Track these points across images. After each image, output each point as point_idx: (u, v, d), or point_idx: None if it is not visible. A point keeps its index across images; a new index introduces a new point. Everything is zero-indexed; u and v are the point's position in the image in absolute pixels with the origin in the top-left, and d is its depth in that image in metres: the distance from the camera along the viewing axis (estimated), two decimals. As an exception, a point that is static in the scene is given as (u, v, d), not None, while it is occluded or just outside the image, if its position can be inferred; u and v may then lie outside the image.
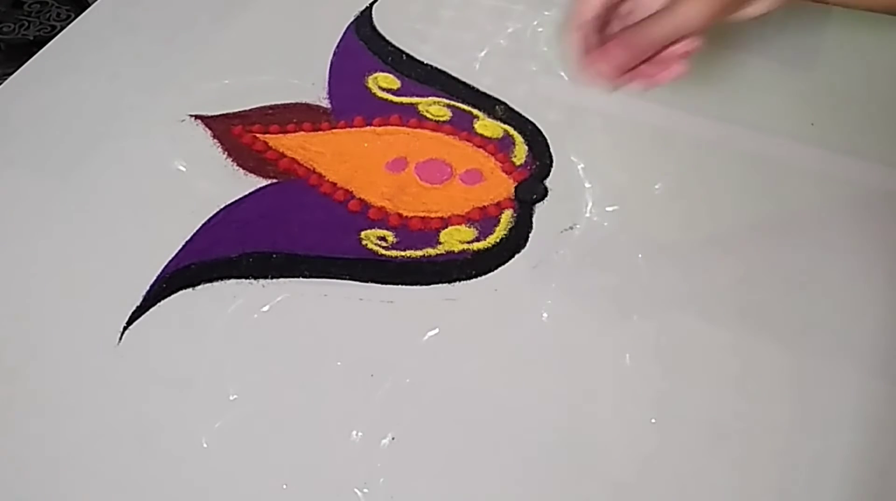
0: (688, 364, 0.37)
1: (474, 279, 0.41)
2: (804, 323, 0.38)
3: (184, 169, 0.47)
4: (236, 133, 0.48)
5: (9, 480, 0.35)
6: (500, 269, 0.41)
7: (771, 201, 0.43)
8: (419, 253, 0.42)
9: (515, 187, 0.45)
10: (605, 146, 0.46)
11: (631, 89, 0.37)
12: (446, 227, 0.43)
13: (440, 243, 0.42)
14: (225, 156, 0.47)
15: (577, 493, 0.33)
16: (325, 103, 0.50)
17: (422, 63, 0.52)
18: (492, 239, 0.42)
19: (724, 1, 0.34)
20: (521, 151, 0.47)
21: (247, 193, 0.45)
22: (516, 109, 0.49)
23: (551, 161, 0.46)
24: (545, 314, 0.39)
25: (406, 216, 0.44)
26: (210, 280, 0.41)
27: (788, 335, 0.37)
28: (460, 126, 0.48)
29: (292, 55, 0.53)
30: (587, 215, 0.43)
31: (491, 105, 0.49)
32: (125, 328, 0.39)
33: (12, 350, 0.39)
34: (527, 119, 0.48)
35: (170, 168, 0.47)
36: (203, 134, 0.49)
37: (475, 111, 0.49)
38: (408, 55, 0.53)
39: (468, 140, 0.47)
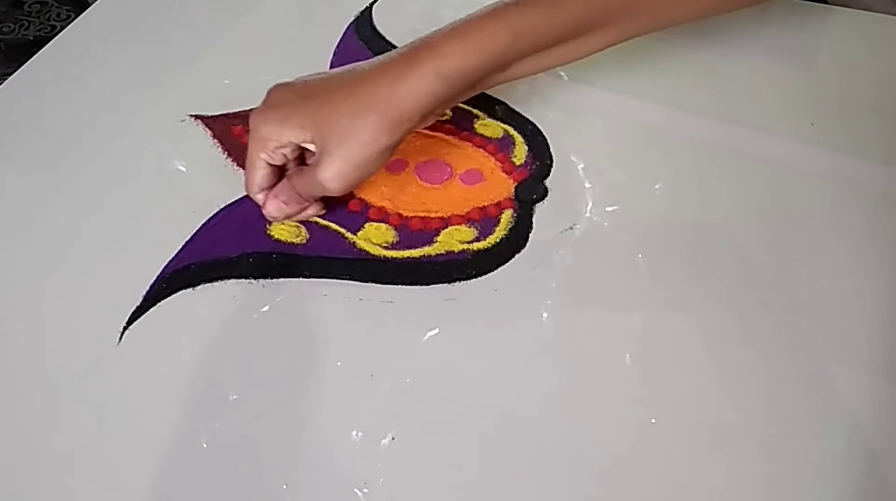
0: (688, 364, 0.37)
1: (474, 279, 0.41)
2: (804, 323, 0.38)
3: (184, 169, 0.47)
4: (236, 133, 0.48)
5: (9, 480, 0.35)
6: (500, 269, 0.41)
7: (771, 201, 0.43)
8: (419, 253, 0.42)
9: (515, 187, 0.45)
10: (605, 146, 0.46)
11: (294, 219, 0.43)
12: (446, 227, 0.43)
13: (437, 242, 0.42)
14: (225, 156, 0.47)
15: (577, 493, 0.33)
16: (325, 103, 0.50)
17: (422, 63, 0.52)
18: (492, 239, 0.42)
19: (350, 177, 0.38)
20: (521, 151, 0.46)
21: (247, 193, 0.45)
22: (516, 108, 0.49)
23: (551, 161, 0.46)
24: (545, 314, 0.39)
25: (406, 216, 0.43)
26: (210, 280, 0.41)
27: (788, 335, 0.37)
28: (460, 126, 0.48)
29: (292, 55, 0.53)
30: (587, 215, 0.43)
31: (491, 105, 0.49)
32: (125, 328, 0.39)
33: (12, 350, 0.39)
34: (527, 119, 0.48)
35: (170, 168, 0.47)
36: (203, 134, 0.49)
37: (475, 111, 0.49)
38: (408, 55, 0.53)
39: (468, 140, 0.47)
